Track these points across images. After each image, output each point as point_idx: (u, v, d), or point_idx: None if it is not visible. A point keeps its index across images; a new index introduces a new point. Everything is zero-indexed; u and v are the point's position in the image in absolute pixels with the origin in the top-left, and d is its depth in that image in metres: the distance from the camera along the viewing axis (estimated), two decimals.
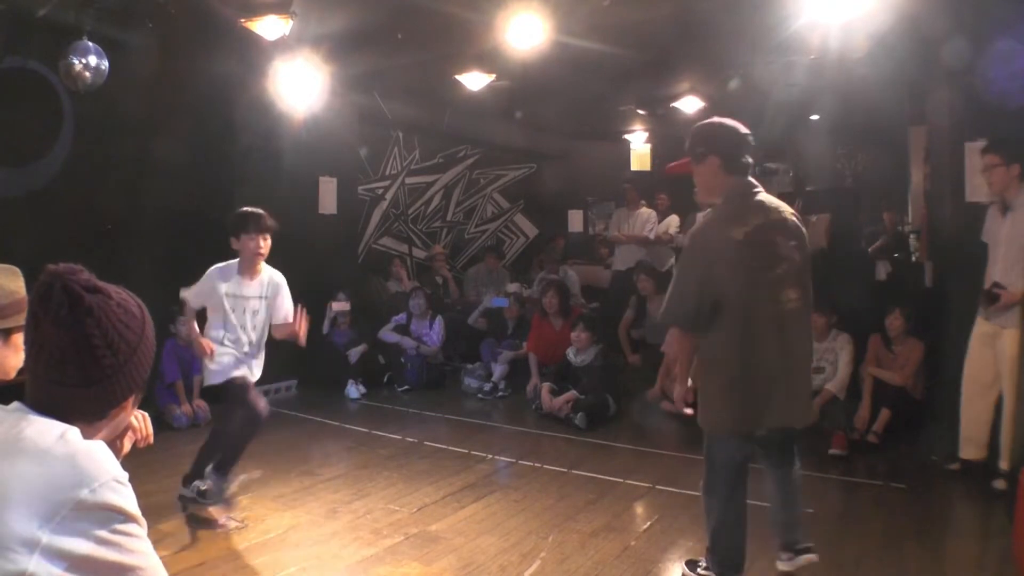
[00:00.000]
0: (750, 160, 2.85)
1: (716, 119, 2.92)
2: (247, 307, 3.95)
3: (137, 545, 1.18)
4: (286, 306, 4.01)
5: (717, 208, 2.84)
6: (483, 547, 3.53)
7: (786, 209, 2.87)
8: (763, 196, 2.84)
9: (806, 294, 2.85)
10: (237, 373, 3.91)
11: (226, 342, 3.93)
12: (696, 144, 2.90)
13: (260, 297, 3.98)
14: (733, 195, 2.81)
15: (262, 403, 3.89)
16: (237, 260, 3.97)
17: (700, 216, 7.92)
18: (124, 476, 1.18)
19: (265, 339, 4.05)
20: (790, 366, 2.79)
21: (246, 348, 3.96)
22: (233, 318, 3.92)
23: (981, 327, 4.31)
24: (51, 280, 1.21)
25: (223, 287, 3.91)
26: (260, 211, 3.95)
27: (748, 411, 2.78)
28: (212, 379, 3.94)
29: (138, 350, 1.28)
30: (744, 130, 2.86)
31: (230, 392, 3.93)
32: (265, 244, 3.91)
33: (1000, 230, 4.20)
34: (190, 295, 4.00)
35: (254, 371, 4.02)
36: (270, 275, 4.02)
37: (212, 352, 3.85)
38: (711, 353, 2.81)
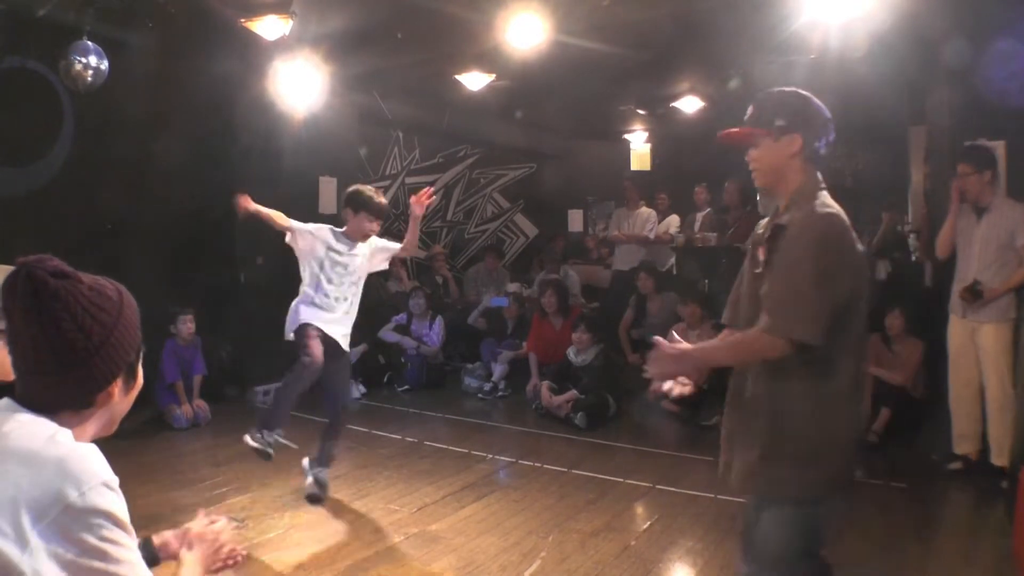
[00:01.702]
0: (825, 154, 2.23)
1: (798, 90, 2.24)
2: (345, 265, 4.05)
3: (123, 554, 1.17)
4: (391, 246, 4.27)
5: (824, 198, 2.13)
6: (483, 547, 3.53)
7: None
8: None
9: None
10: (313, 324, 3.94)
11: (317, 301, 4.00)
12: (774, 114, 2.19)
13: (358, 255, 4.11)
14: (823, 193, 2.15)
15: (320, 355, 3.85)
16: (343, 229, 4.12)
17: (700, 216, 7.99)
18: (114, 481, 1.17)
19: (356, 306, 4.13)
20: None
21: (335, 308, 4.02)
22: (323, 276, 4.01)
23: (957, 327, 4.48)
24: (17, 270, 1.20)
25: (328, 243, 4.02)
26: (383, 199, 4.16)
27: (851, 457, 2.09)
28: (290, 327, 4.00)
29: (115, 332, 1.25)
30: (829, 115, 2.23)
31: (299, 336, 3.93)
32: (376, 231, 4.14)
33: (974, 231, 4.40)
34: (296, 224, 4.05)
35: (339, 334, 4.04)
36: (376, 241, 4.22)
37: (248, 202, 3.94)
38: (824, 384, 2.01)
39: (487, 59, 6.06)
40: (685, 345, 2.14)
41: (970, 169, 4.33)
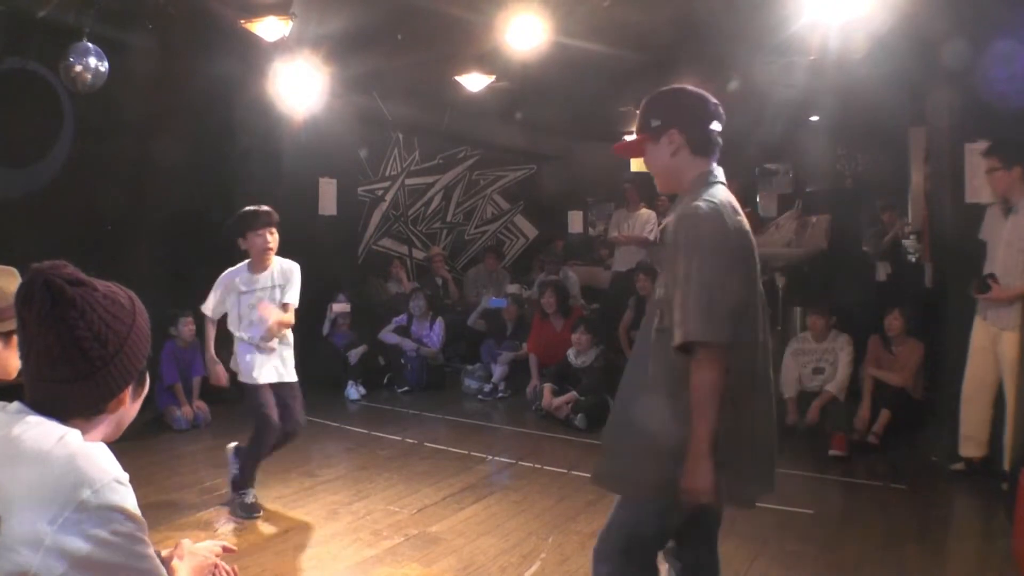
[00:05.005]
0: (720, 140, 2.11)
1: (676, 86, 2.17)
2: (253, 296, 3.95)
3: (138, 548, 1.18)
4: (289, 294, 3.99)
5: (708, 189, 2.04)
6: (483, 548, 3.52)
7: None
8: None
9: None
10: (259, 376, 3.92)
11: (242, 333, 3.95)
12: (649, 116, 2.12)
13: (272, 287, 3.97)
14: (710, 180, 2.07)
15: (282, 415, 3.94)
16: (247, 261, 4.00)
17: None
18: (125, 477, 1.19)
19: (287, 336, 4.06)
20: (773, 411, 2.08)
21: (264, 340, 3.94)
22: (248, 314, 3.93)
23: (981, 328, 4.34)
24: (33, 277, 1.21)
25: (235, 287, 3.94)
26: (263, 207, 3.97)
27: (741, 474, 1.99)
28: (241, 377, 3.98)
29: (128, 340, 1.26)
30: (714, 100, 2.12)
31: (249, 397, 3.96)
32: (273, 238, 3.93)
33: (1000, 232, 4.22)
34: (208, 308, 4.02)
35: (283, 367, 4.01)
36: (280, 265, 4.02)
37: (224, 380, 3.92)
38: (727, 390, 1.94)
39: (487, 60, 6.06)
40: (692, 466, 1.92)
41: (997, 163, 4.15)
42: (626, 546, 2.14)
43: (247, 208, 3.97)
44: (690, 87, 2.15)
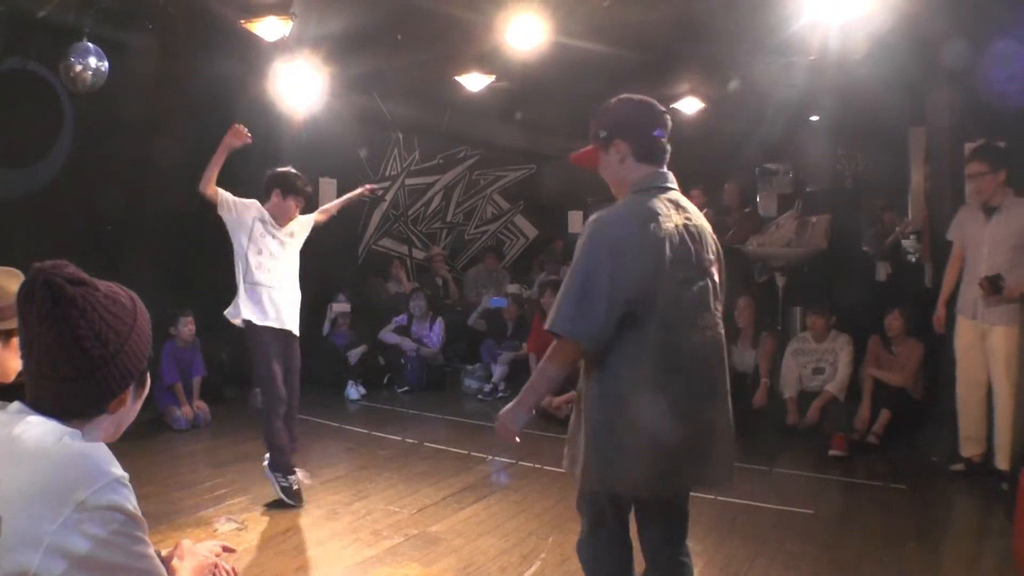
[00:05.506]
0: (668, 147, 2.21)
1: (624, 96, 2.27)
2: (274, 235, 4.11)
3: (138, 548, 1.18)
4: (309, 217, 4.32)
5: (631, 196, 2.17)
6: (483, 548, 3.52)
7: (701, 216, 2.24)
8: (679, 195, 2.20)
9: (721, 324, 2.21)
10: (258, 319, 4.00)
11: (249, 276, 4.02)
12: (597, 127, 2.26)
13: (292, 235, 4.19)
14: (647, 185, 2.16)
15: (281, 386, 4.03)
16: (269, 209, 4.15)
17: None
18: (125, 477, 1.19)
19: (295, 280, 4.17)
20: (708, 409, 2.15)
21: (272, 278, 4.05)
22: (259, 244, 4.05)
23: (967, 327, 4.39)
24: (34, 277, 1.21)
25: (256, 214, 4.08)
26: (304, 177, 4.19)
27: (658, 467, 2.11)
28: (234, 314, 4.04)
29: (129, 340, 1.26)
30: (660, 107, 2.23)
31: (251, 353, 4.04)
32: (299, 210, 4.19)
33: (982, 232, 4.28)
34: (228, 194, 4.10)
35: (283, 314, 4.09)
36: (299, 220, 4.27)
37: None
38: (612, 384, 2.08)
39: (487, 60, 6.07)
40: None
41: (985, 168, 4.19)
42: (592, 530, 2.33)
43: (292, 171, 4.17)
44: (636, 96, 2.25)
